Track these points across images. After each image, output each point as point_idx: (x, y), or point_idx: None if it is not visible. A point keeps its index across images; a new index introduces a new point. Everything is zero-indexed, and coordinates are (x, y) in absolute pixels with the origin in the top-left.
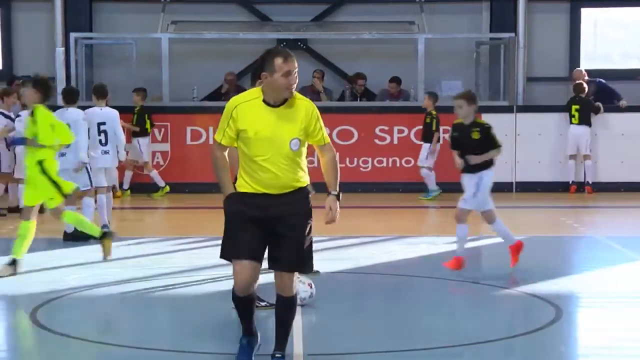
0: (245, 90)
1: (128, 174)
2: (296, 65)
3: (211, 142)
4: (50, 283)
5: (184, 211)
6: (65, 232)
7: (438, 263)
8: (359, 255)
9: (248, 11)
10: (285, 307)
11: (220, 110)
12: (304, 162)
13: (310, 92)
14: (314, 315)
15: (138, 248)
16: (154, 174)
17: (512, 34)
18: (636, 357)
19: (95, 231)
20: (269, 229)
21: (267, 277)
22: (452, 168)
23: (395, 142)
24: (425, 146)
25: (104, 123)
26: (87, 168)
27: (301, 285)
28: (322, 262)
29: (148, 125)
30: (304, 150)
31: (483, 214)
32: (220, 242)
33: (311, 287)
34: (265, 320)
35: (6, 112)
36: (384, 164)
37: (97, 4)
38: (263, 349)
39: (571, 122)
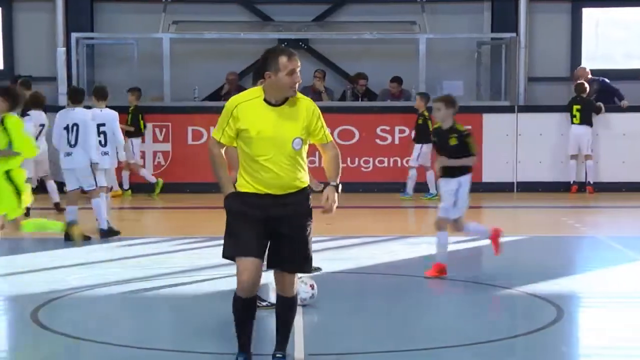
0: (247, 89)
1: (125, 174)
2: (299, 63)
3: None
4: (52, 283)
5: (184, 211)
6: (66, 233)
7: None
8: (360, 255)
9: (249, 11)
10: (286, 307)
11: (221, 110)
12: (305, 161)
13: (312, 92)
14: (315, 315)
15: (139, 248)
16: (144, 172)
17: (514, 34)
18: (637, 357)
19: (59, 226)
20: (270, 230)
21: (267, 277)
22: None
23: (397, 142)
24: (417, 147)
25: (103, 124)
26: (91, 168)
27: (303, 285)
28: (323, 262)
29: (142, 126)
30: (305, 149)
31: (453, 221)
32: (221, 241)
33: (313, 288)
34: (265, 320)
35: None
36: (385, 164)
37: (98, 4)
38: (264, 349)
39: (572, 122)
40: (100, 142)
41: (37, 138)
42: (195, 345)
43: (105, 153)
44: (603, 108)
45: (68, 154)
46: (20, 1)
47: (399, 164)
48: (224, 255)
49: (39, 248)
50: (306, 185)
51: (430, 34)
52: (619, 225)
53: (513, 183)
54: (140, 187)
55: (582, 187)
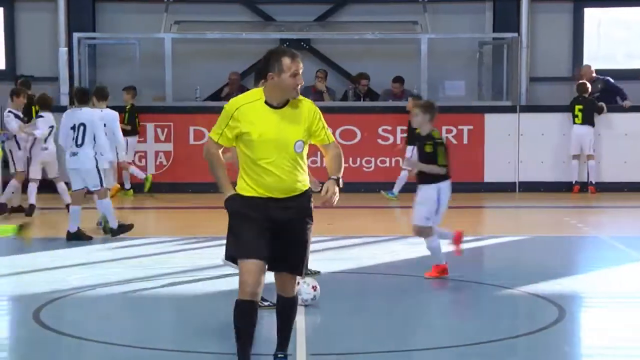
0: (248, 90)
1: (126, 174)
2: (302, 65)
3: None
4: (53, 283)
5: (186, 211)
6: (68, 232)
7: None
8: (361, 255)
9: (251, 11)
10: (287, 307)
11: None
12: (305, 164)
13: (313, 92)
14: (316, 315)
15: (140, 248)
16: (133, 170)
17: (515, 34)
18: (639, 357)
19: (10, 229)
20: (272, 232)
21: (267, 277)
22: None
23: (398, 142)
24: (409, 149)
25: (104, 125)
26: (97, 168)
27: (305, 287)
28: (324, 262)
29: (137, 124)
30: (306, 151)
31: (421, 228)
32: (222, 241)
33: (315, 289)
34: (266, 319)
35: (16, 112)
36: (387, 164)
37: (100, 4)
38: (265, 349)
39: (574, 122)
40: None
41: (46, 140)
42: (196, 345)
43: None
44: (605, 108)
45: (74, 154)
46: (22, 1)
47: (401, 164)
48: (227, 257)
49: (40, 248)
50: (307, 187)
51: (432, 34)
52: (621, 225)
53: (515, 183)
54: (140, 187)
55: (584, 187)
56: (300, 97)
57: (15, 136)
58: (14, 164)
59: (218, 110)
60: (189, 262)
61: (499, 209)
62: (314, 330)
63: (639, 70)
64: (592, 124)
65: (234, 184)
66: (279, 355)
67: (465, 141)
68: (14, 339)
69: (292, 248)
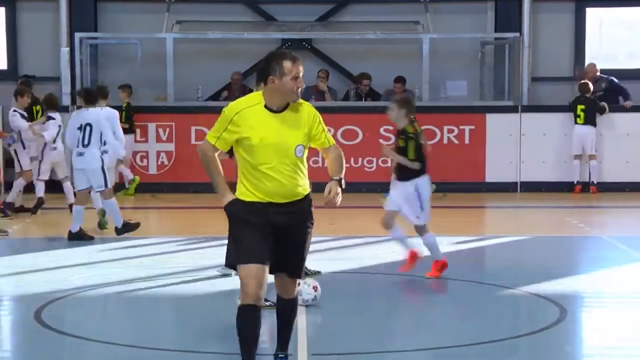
0: (250, 90)
1: (126, 170)
2: (302, 68)
3: None
4: (54, 283)
5: (187, 211)
6: (70, 232)
7: None
8: (362, 255)
9: (253, 11)
10: (287, 308)
11: None
12: (306, 168)
13: (315, 92)
14: (317, 315)
15: (141, 248)
16: (123, 169)
17: (517, 34)
18: None
19: None
20: (273, 237)
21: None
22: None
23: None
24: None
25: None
26: (103, 168)
27: (306, 287)
28: (325, 262)
29: (132, 123)
30: (305, 155)
31: (386, 215)
32: (223, 241)
33: (316, 290)
34: (266, 320)
35: (21, 112)
36: (389, 164)
37: (102, 4)
38: (265, 349)
39: (576, 122)
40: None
41: (55, 140)
42: (196, 345)
43: (105, 152)
44: (607, 108)
45: (80, 154)
46: (24, 1)
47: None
48: (229, 263)
49: (41, 248)
50: (308, 192)
51: (433, 34)
52: (622, 225)
53: (516, 183)
54: (143, 187)
55: (585, 187)
56: (300, 100)
57: (20, 136)
58: (20, 163)
59: (220, 111)
60: (190, 262)
61: (501, 208)
62: (315, 330)
63: None
64: (594, 124)
65: (230, 183)
66: (280, 356)
67: (466, 141)
68: (15, 339)
69: (292, 252)
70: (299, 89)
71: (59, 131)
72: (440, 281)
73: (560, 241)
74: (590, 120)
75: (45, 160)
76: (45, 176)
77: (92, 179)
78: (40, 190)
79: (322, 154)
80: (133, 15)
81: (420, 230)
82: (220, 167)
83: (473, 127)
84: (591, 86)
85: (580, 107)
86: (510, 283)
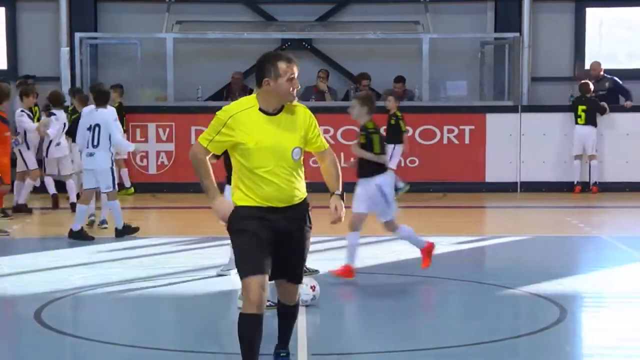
0: (251, 90)
1: (124, 172)
2: (297, 68)
3: None
4: (54, 283)
5: (187, 211)
6: (71, 230)
7: (442, 263)
8: (363, 255)
9: (253, 11)
10: (289, 314)
11: None
12: (303, 171)
13: (315, 92)
14: (317, 315)
15: (141, 248)
16: (124, 172)
17: (517, 34)
18: None
19: None
20: (272, 244)
21: None
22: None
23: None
24: (389, 147)
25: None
26: (112, 170)
27: (304, 287)
28: (325, 262)
29: (124, 123)
30: (302, 158)
31: (354, 216)
32: (223, 242)
33: (314, 289)
34: (266, 320)
35: (27, 112)
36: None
37: (102, 4)
38: (265, 349)
39: (577, 123)
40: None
41: (59, 137)
42: (196, 345)
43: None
44: (608, 109)
45: (90, 154)
46: (24, 1)
47: (402, 164)
48: (243, 276)
49: (41, 248)
50: (305, 196)
51: (433, 33)
52: (622, 225)
53: (516, 183)
54: (144, 187)
55: (585, 187)
56: (296, 102)
57: (25, 136)
58: (26, 163)
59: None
60: (190, 262)
61: (501, 209)
62: (315, 331)
63: None
64: (594, 124)
65: (219, 184)
66: (282, 354)
67: (466, 141)
68: (15, 339)
69: (292, 258)
70: (295, 90)
71: (63, 128)
72: (440, 281)
73: (560, 241)
74: (591, 121)
75: (50, 157)
76: (53, 171)
77: (101, 179)
78: (51, 187)
79: (316, 159)
80: (133, 15)
81: (390, 226)
82: (211, 170)
83: (473, 127)
84: (592, 86)
85: (581, 107)
86: (510, 283)
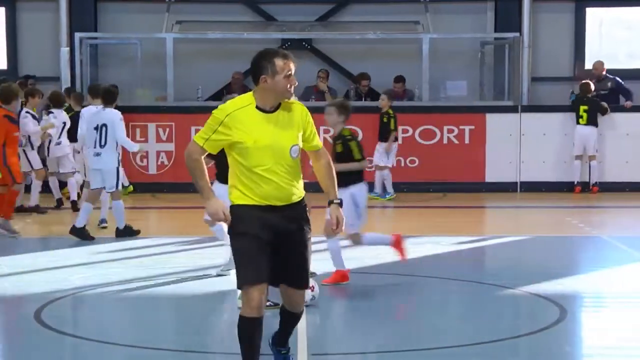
0: (251, 90)
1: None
2: (294, 65)
3: None
4: (54, 283)
5: (187, 211)
6: (73, 226)
7: (443, 263)
8: (363, 255)
9: (253, 11)
10: (293, 320)
11: None
12: (300, 170)
13: (315, 92)
14: (318, 315)
15: (141, 248)
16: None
17: (517, 34)
18: None
19: None
20: (272, 246)
21: None
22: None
23: (400, 141)
24: (378, 145)
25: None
26: (118, 170)
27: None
28: (325, 262)
29: None
30: (299, 157)
31: (351, 237)
32: (222, 241)
33: (313, 290)
34: (267, 320)
35: (32, 113)
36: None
37: (102, 4)
38: (265, 349)
39: (578, 123)
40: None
41: (59, 136)
42: (196, 345)
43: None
44: (609, 109)
45: (97, 154)
46: (24, 1)
47: (402, 164)
48: (241, 285)
49: (41, 248)
50: (303, 195)
51: (433, 33)
52: (622, 225)
53: (516, 183)
54: (142, 187)
55: (585, 187)
56: (292, 100)
57: (29, 137)
58: (30, 163)
59: None
60: (190, 262)
61: (501, 209)
62: (315, 331)
63: None
64: (596, 124)
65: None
66: (283, 352)
67: (466, 141)
68: (15, 339)
69: (292, 260)
70: (292, 87)
71: (63, 127)
72: (440, 281)
73: (560, 241)
74: (592, 121)
75: (51, 156)
76: (55, 169)
77: (107, 179)
78: (56, 191)
79: (310, 158)
80: (133, 15)
81: (355, 238)
82: (206, 170)
83: (473, 127)
84: (593, 86)
85: (583, 107)
86: (510, 283)
